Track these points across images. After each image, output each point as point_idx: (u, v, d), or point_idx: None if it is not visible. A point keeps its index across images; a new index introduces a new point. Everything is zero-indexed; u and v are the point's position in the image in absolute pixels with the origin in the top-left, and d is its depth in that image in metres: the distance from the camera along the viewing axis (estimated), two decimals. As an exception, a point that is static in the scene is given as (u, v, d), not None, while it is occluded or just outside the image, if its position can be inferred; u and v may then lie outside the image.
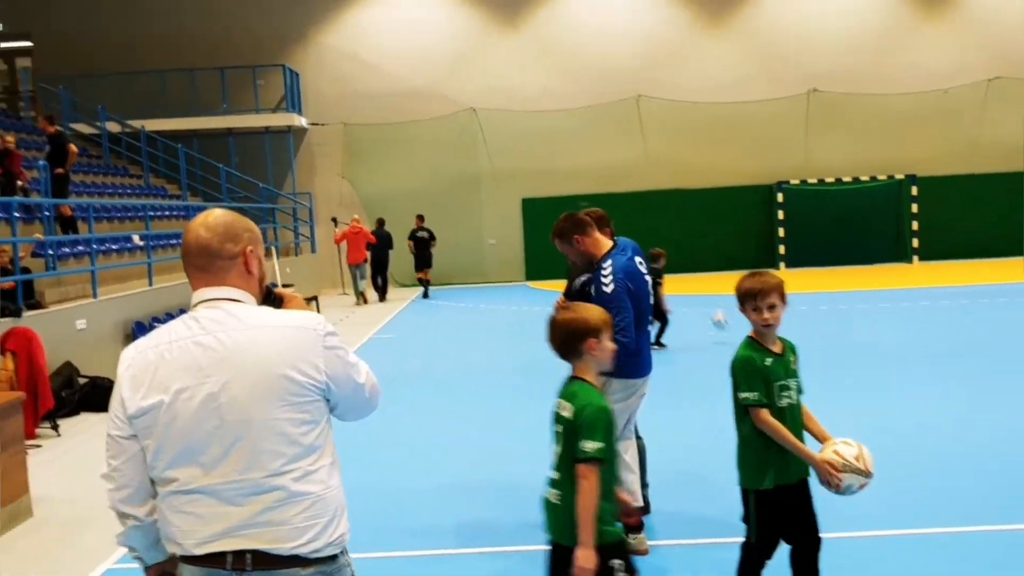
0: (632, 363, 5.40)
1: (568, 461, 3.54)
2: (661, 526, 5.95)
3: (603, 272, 5.34)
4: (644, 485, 5.86)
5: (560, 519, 3.57)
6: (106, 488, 2.57)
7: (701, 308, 17.25)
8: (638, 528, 5.59)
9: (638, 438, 5.89)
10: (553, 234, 5.59)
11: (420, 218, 23.26)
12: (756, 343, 4.20)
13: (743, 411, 4.16)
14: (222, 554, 2.46)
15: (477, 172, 26.18)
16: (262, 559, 2.46)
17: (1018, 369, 10.41)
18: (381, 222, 23.32)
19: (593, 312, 3.73)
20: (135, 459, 2.54)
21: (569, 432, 3.54)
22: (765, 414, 4.08)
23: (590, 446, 3.46)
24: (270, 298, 2.81)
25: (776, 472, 4.14)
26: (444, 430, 9.04)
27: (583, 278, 5.52)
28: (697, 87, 25.76)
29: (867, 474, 4.07)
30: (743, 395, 4.12)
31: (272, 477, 2.46)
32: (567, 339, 3.66)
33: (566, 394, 3.64)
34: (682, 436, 8.20)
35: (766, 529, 4.22)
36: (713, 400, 9.83)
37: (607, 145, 25.84)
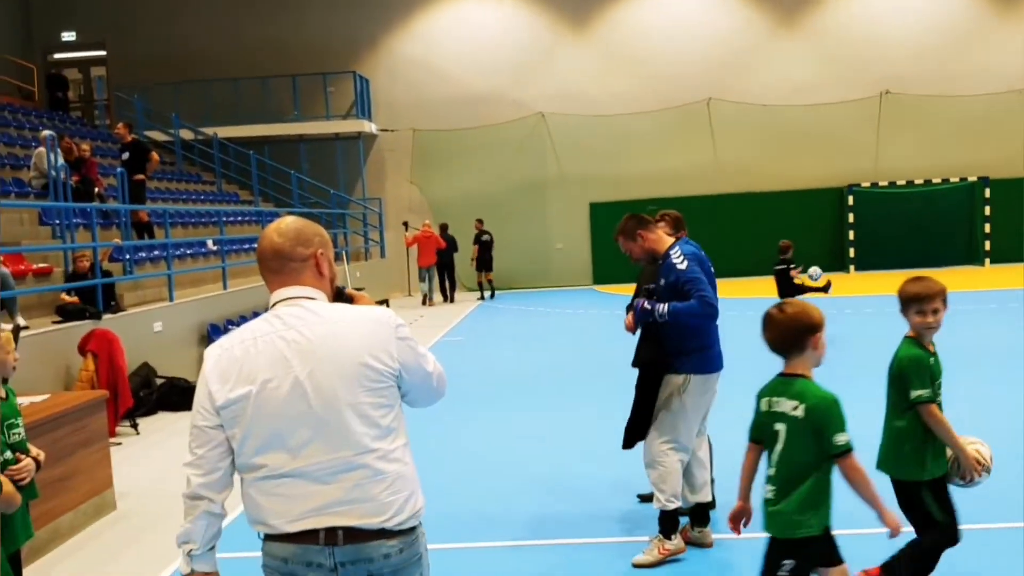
0: (709, 358, 5.54)
1: (794, 458, 3.67)
2: (726, 520, 5.99)
3: (673, 256, 5.48)
4: (711, 480, 5.92)
5: (777, 515, 3.74)
6: (189, 474, 2.72)
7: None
8: (704, 521, 5.67)
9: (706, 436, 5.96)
10: (617, 232, 5.69)
11: (480, 221, 23.83)
12: (917, 343, 4.39)
13: (904, 407, 4.33)
14: (314, 531, 2.63)
15: (544, 176, 26.25)
16: (352, 534, 2.65)
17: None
18: (444, 227, 23.67)
19: (814, 309, 3.82)
20: (220, 448, 2.70)
21: (802, 430, 3.65)
22: (935, 409, 4.26)
23: (842, 439, 3.61)
24: (341, 297, 2.98)
25: (935, 463, 4.34)
26: (510, 430, 9.14)
27: (650, 286, 5.59)
28: (768, 90, 25.53)
29: (989, 471, 4.37)
30: (917, 392, 4.27)
31: (358, 455, 2.66)
32: (794, 334, 3.76)
33: (791, 392, 3.72)
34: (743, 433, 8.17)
35: (949, 512, 4.39)
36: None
37: (676, 149, 25.72)
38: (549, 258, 26.37)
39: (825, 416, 3.62)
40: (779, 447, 3.71)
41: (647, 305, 5.38)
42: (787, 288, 13.58)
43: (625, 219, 5.70)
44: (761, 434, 3.87)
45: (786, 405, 3.69)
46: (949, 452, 4.34)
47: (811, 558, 3.77)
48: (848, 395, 9.52)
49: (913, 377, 4.29)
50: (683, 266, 5.41)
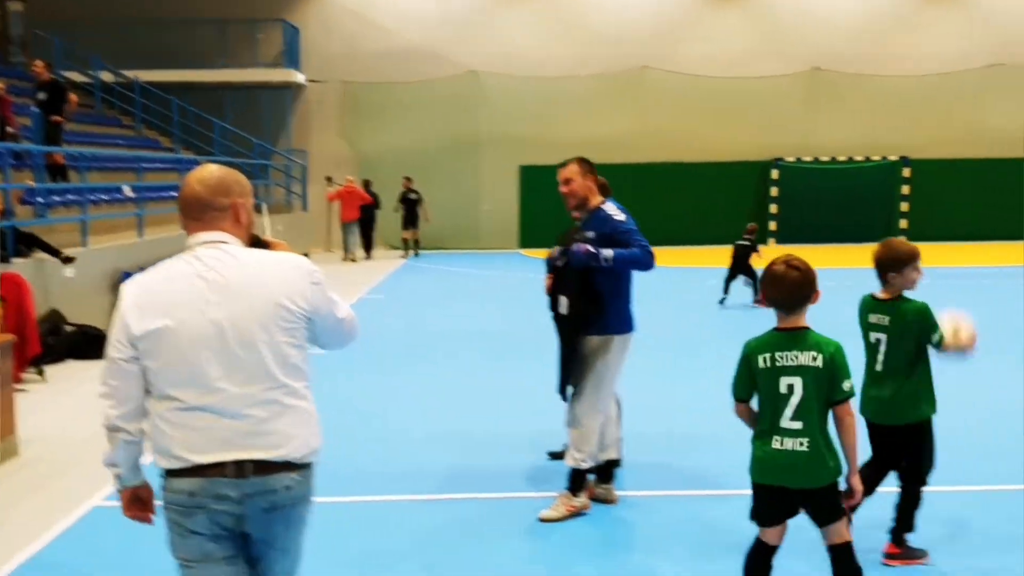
0: (629, 318, 5.63)
1: (817, 406, 3.79)
2: (630, 478, 6.11)
3: (608, 209, 5.55)
4: (619, 439, 6.00)
5: (814, 464, 3.81)
6: (104, 405, 2.84)
7: (693, 279, 17.37)
8: (609, 478, 5.76)
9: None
10: (573, 160, 5.68)
11: (408, 179, 23.91)
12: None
13: (921, 354, 4.69)
14: (223, 463, 2.75)
15: (476, 136, 26.09)
16: (260, 467, 2.77)
17: (1001, 347, 10.53)
18: (367, 183, 23.93)
19: (811, 266, 3.92)
20: (134, 380, 2.82)
21: (821, 378, 3.77)
22: (950, 342, 4.66)
23: (848, 385, 3.79)
24: (258, 245, 3.11)
25: (934, 398, 4.79)
26: (425, 386, 9.16)
27: (556, 252, 5.55)
28: (701, 61, 25.68)
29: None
30: (938, 335, 4.64)
31: (268, 390, 2.80)
32: (804, 291, 3.86)
33: (806, 345, 3.82)
34: (655, 394, 8.34)
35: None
36: (689, 362, 10.00)
37: (609, 115, 25.75)
38: (477, 219, 26.30)
39: (841, 363, 3.79)
40: (796, 400, 3.79)
41: (591, 248, 5.32)
42: (742, 265, 14.20)
43: (581, 157, 5.72)
44: (753, 391, 3.95)
45: (804, 357, 3.80)
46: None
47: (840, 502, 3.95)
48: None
49: (932, 322, 4.65)
50: (621, 217, 5.49)
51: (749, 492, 5.80)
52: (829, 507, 3.89)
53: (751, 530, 5.20)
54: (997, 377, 9.00)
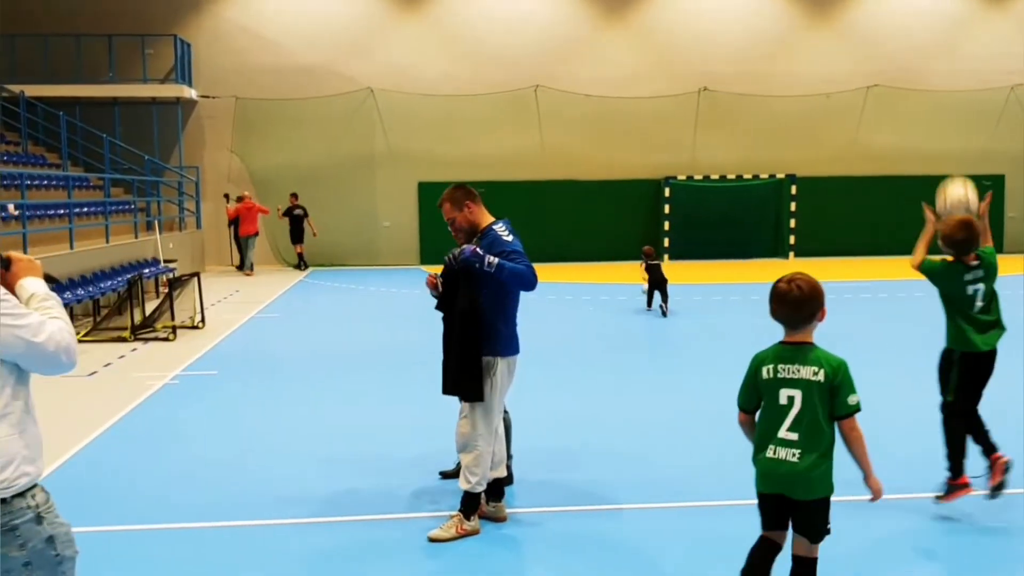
0: (514, 341, 5.72)
1: (816, 420, 3.93)
2: (520, 495, 6.22)
3: (498, 229, 5.66)
4: (508, 456, 6.10)
5: (803, 476, 3.94)
6: None
7: (584, 295, 17.63)
8: (499, 496, 5.84)
9: (505, 412, 6.12)
10: (444, 199, 5.79)
11: (294, 196, 24.42)
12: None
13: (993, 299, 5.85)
14: None
15: (372, 153, 26.05)
16: None
17: (886, 359, 11.00)
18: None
19: (818, 284, 4.07)
20: None
21: (822, 392, 3.93)
22: None
23: (854, 399, 3.94)
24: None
25: None
26: (315, 408, 9.12)
27: (456, 251, 5.62)
28: (594, 81, 26.12)
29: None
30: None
31: None
32: (810, 308, 4.01)
33: (808, 359, 3.98)
34: (545, 412, 8.47)
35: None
36: (579, 377, 10.18)
37: (504, 133, 26.02)
38: (376, 236, 26.23)
39: (843, 379, 3.93)
40: (794, 411, 3.94)
41: (479, 250, 5.42)
42: (659, 280, 15.03)
43: (452, 188, 5.82)
44: (757, 402, 4.09)
45: (805, 371, 3.95)
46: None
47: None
48: (683, 368, 9.84)
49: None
50: (509, 238, 5.59)
51: (639, 506, 6.06)
52: (813, 522, 4.01)
53: (641, 544, 5.41)
54: (883, 388, 9.39)
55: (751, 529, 5.58)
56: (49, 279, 3.25)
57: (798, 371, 3.96)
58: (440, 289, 5.76)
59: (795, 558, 4.07)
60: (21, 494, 2.93)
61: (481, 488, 5.64)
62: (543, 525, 5.83)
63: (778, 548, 4.14)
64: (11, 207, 15.13)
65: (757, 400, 4.09)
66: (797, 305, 4.01)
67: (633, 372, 10.83)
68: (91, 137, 22.79)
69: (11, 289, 3.07)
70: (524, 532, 5.72)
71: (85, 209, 18.38)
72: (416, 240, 26.12)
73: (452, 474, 6.47)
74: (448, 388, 5.69)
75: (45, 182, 18.71)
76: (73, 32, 23.54)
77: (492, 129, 25.94)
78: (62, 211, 17.10)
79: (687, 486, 6.48)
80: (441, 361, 5.74)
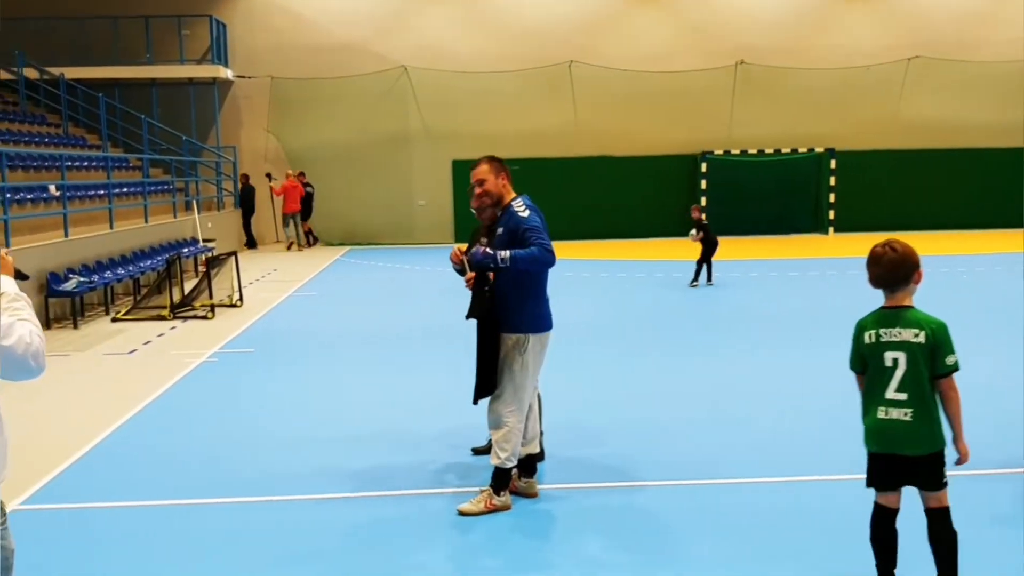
0: (544, 317, 5.74)
1: (921, 379, 4.08)
2: (554, 471, 6.24)
3: (515, 205, 5.66)
4: (539, 432, 6.13)
5: (917, 433, 4.11)
6: None
7: (621, 273, 17.58)
8: (531, 472, 5.87)
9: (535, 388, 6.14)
10: (485, 160, 5.79)
11: (302, 174, 25.04)
12: None
13: None
14: None
15: (407, 131, 26.10)
16: None
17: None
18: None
19: (913, 248, 4.21)
20: None
21: (924, 353, 4.08)
22: None
23: (952, 359, 4.09)
24: None
25: None
26: (351, 385, 9.21)
27: (466, 255, 5.71)
28: (628, 56, 25.94)
29: None
30: None
31: None
32: (904, 270, 4.16)
33: (908, 322, 4.13)
34: (578, 388, 8.49)
35: None
36: (611, 354, 10.18)
37: (538, 110, 25.93)
38: (410, 214, 26.31)
39: (942, 339, 4.07)
40: (900, 373, 4.10)
41: (488, 250, 5.45)
42: (713, 244, 15.56)
43: (492, 156, 5.85)
44: (866, 364, 4.24)
45: (906, 334, 4.11)
46: None
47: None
48: (719, 346, 9.79)
49: None
50: (525, 214, 5.58)
51: (666, 483, 6.08)
52: (933, 474, 4.15)
53: (671, 521, 5.42)
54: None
55: (783, 506, 5.61)
56: (19, 275, 3.15)
57: (900, 334, 4.12)
58: (466, 268, 5.80)
59: (929, 512, 4.21)
60: None
61: (511, 464, 5.66)
62: (575, 501, 5.86)
63: (894, 512, 4.27)
64: (52, 188, 15.34)
65: (864, 364, 4.25)
66: (893, 266, 4.16)
67: (667, 348, 10.81)
68: (130, 118, 23.03)
69: None
70: (555, 508, 5.74)
71: (124, 189, 18.60)
72: (451, 218, 26.15)
73: (484, 450, 6.52)
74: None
75: (85, 163, 18.95)
76: (111, 14, 23.74)
77: (526, 106, 25.86)
78: (102, 191, 17.31)
79: (720, 464, 6.48)
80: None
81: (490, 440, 6.12)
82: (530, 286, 5.63)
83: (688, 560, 4.91)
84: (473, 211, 5.93)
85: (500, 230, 5.63)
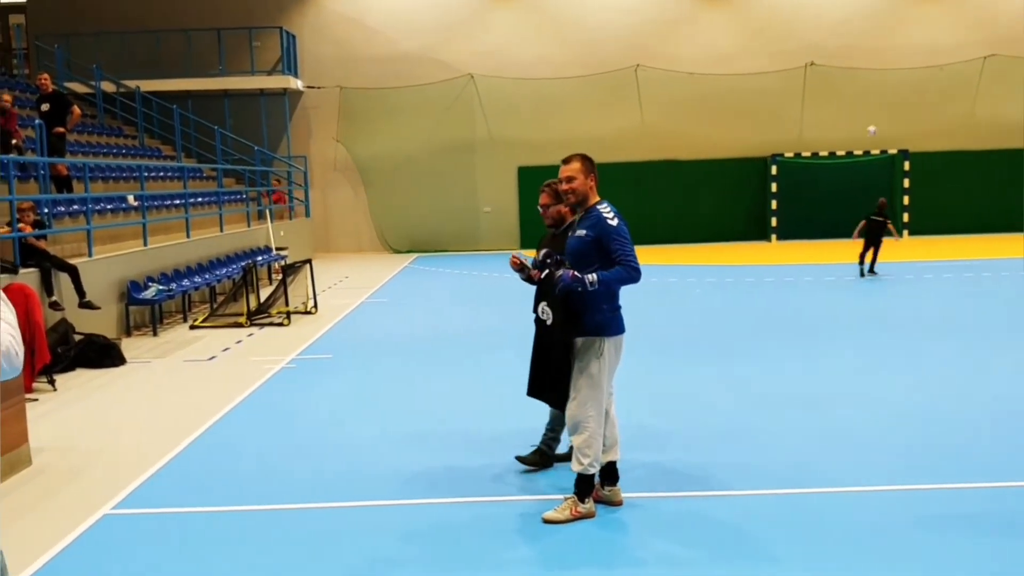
0: (620, 320, 5.66)
1: None
2: (638, 479, 6.17)
3: (603, 210, 5.57)
4: (618, 440, 6.06)
5: None
6: None
7: (689, 278, 17.42)
8: (614, 479, 5.79)
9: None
10: (577, 157, 5.73)
11: None
12: None
13: None
14: None
15: (473, 139, 26.22)
16: None
17: (1002, 339, 10.62)
18: None
19: None
20: None
21: None
22: None
23: None
24: None
25: None
26: (427, 389, 9.22)
27: (557, 256, 5.69)
28: (696, 59, 25.78)
29: None
30: None
31: None
32: None
33: None
34: (659, 393, 8.40)
35: None
36: (684, 359, 10.07)
37: (604, 115, 25.87)
38: (476, 221, 26.41)
39: None
40: None
41: (576, 274, 5.39)
42: (874, 236, 16.83)
43: (582, 155, 5.78)
44: None
45: None
46: None
47: None
48: (788, 356, 9.70)
49: None
50: (614, 222, 5.48)
51: (753, 492, 5.94)
52: None
53: (757, 532, 5.30)
54: (998, 368, 9.08)
55: (871, 517, 5.47)
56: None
57: None
58: (526, 272, 5.82)
59: None
60: None
61: (594, 470, 5.58)
62: (660, 510, 5.74)
63: None
64: (131, 198, 15.66)
65: None
66: None
67: (745, 354, 10.66)
68: (202, 129, 23.47)
69: None
70: (639, 517, 5.63)
71: (199, 199, 18.93)
72: (516, 224, 26.19)
73: (529, 460, 6.51)
74: (534, 391, 5.83)
75: (161, 174, 19.33)
76: (184, 27, 24.24)
77: (591, 111, 25.82)
78: (178, 201, 17.64)
79: (805, 472, 6.35)
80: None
81: (535, 449, 6.45)
82: (607, 291, 5.58)
83: (788, 570, 4.82)
84: (539, 209, 6.23)
85: (582, 232, 5.57)
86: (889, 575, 4.68)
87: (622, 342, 5.67)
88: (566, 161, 5.73)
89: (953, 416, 7.52)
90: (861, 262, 16.86)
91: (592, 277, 5.36)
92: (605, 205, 5.62)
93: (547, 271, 5.68)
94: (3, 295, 2.92)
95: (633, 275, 5.41)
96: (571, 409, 5.60)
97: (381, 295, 16.90)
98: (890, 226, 16.88)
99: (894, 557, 4.87)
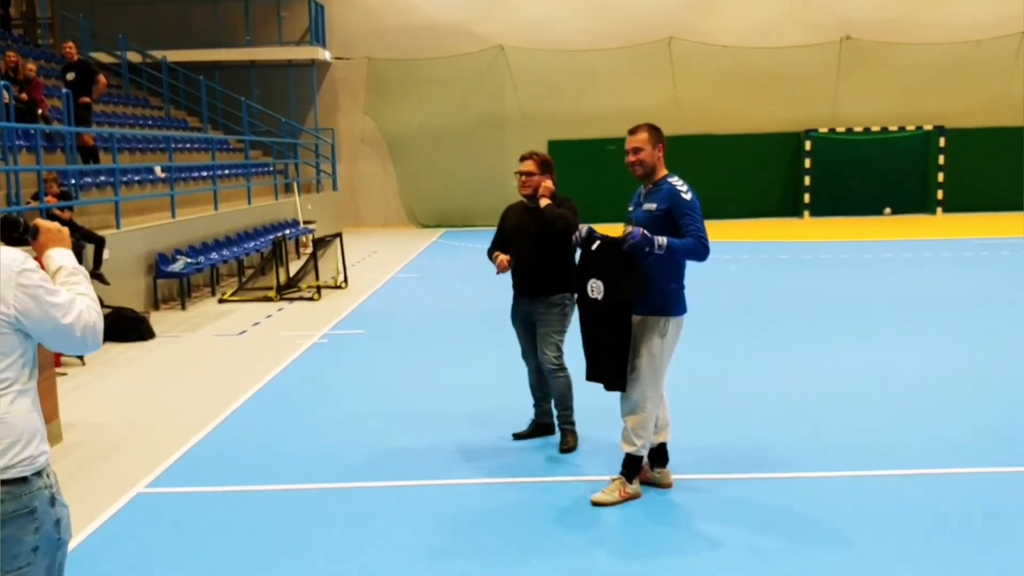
0: (684, 299, 5.49)
1: None
2: (689, 460, 5.97)
3: (676, 183, 5.39)
4: (669, 422, 5.85)
5: None
6: None
7: (723, 254, 17.10)
8: (663, 461, 5.62)
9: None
10: (644, 127, 5.50)
11: None
12: None
13: None
14: None
15: (503, 112, 25.88)
16: None
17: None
18: None
19: None
20: None
21: None
22: None
23: None
24: (18, 229, 2.98)
25: None
26: (462, 366, 9.06)
27: (624, 232, 5.36)
28: (730, 32, 25.30)
29: None
30: None
31: None
32: None
33: None
34: (708, 374, 8.19)
35: None
36: (732, 340, 9.83)
37: (637, 88, 25.43)
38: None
39: None
40: None
41: (647, 233, 5.12)
42: None
43: (650, 124, 5.56)
44: None
45: None
46: None
47: None
48: (820, 335, 9.49)
49: None
50: (688, 196, 5.31)
51: (812, 475, 5.74)
52: None
53: (809, 515, 5.10)
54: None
55: (928, 499, 5.24)
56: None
57: None
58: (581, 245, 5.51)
59: None
60: (38, 473, 2.76)
61: (645, 451, 5.45)
62: (710, 492, 5.59)
63: None
64: (158, 169, 15.50)
65: None
66: None
67: (792, 333, 10.40)
68: (229, 100, 23.26)
69: (38, 260, 2.87)
70: (689, 499, 5.48)
71: (227, 171, 18.76)
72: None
73: (524, 435, 6.62)
74: (593, 375, 5.55)
75: (187, 145, 19.17)
76: (211, -3, 24.01)
77: (624, 84, 25.40)
78: (206, 173, 17.47)
79: (863, 454, 6.13)
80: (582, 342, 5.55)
81: (532, 424, 6.62)
82: (675, 266, 5.35)
83: (847, 550, 4.60)
84: (524, 198, 6.53)
85: (651, 205, 5.34)
86: (974, 559, 4.45)
87: (683, 323, 5.45)
88: (632, 131, 5.49)
89: None
90: None
91: (662, 240, 5.13)
92: (676, 178, 5.41)
93: (598, 241, 5.41)
94: (84, 270, 2.89)
95: (701, 252, 5.21)
96: (631, 389, 5.38)
97: (410, 270, 16.70)
98: None
99: (969, 542, 4.63)
